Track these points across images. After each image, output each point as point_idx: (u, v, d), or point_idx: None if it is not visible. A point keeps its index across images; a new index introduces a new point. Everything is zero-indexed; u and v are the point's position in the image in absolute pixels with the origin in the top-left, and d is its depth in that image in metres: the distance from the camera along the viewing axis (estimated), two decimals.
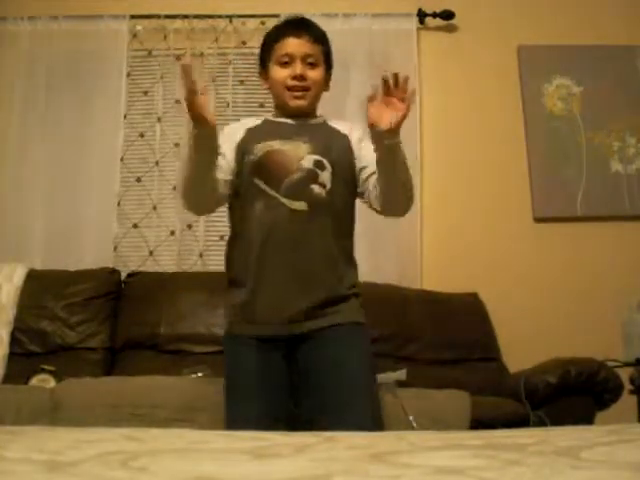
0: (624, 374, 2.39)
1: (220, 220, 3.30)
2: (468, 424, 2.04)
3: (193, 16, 3.39)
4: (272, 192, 1.75)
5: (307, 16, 3.73)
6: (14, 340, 2.77)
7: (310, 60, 1.83)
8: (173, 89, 3.38)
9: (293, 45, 1.83)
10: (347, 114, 3.14)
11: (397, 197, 1.78)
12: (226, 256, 1.88)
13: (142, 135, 3.35)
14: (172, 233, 3.25)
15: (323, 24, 3.53)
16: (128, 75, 3.38)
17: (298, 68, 1.81)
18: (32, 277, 2.91)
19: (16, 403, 2.00)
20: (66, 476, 0.53)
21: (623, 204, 3.33)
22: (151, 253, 3.24)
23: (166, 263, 3.23)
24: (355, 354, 1.75)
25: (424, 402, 2.09)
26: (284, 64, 1.83)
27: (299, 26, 1.87)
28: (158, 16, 3.39)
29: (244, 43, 3.42)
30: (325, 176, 1.77)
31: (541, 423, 2.18)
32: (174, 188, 3.29)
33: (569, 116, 3.41)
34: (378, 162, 1.72)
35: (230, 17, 3.41)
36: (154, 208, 3.28)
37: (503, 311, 3.02)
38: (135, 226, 3.27)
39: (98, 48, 3.36)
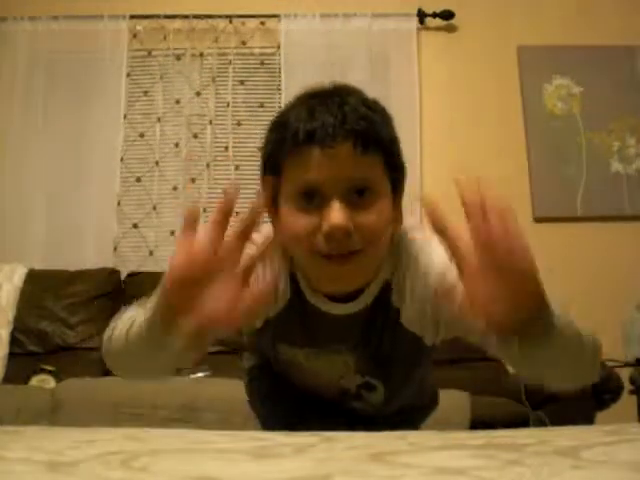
0: (624, 374, 2.39)
1: None
2: (468, 424, 2.04)
3: (193, 16, 3.39)
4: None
5: (307, 16, 3.71)
6: (14, 340, 2.77)
7: (358, 188, 0.93)
8: (173, 89, 3.39)
9: (321, 170, 0.92)
10: None
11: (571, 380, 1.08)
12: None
13: (142, 135, 3.35)
14: (172, 233, 3.25)
15: (323, 24, 3.53)
16: (128, 75, 3.38)
17: (336, 215, 0.90)
18: (32, 277, 2.91)
19: (16, 403, 2.00)
20: (66, 476, 0.53)
21: (623, 204, 3.33)
22: (151, 253, 3.24)
23: (166, 263, 3.20)
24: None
25: None
26: (304, 202, 0.94)
27: (328, 120, 0.92)
28: (158, 16, 3.39)
29: (244, 43, 3.42)
30: (374, 398, 1.16)
31: (541, 423, 2.18)
32: (174, 188, 3.30)
33: (569, 116, 3.41)
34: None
35: (230, 17, 3.41)
36: (154, 208, 3.28)
37: None
38: (135, 226, 3.27)
39: (98, 48, 3.36)
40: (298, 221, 0.93)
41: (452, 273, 0.84)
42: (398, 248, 1.03)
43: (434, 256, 0.98)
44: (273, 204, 0.98)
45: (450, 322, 0.97)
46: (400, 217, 1.02)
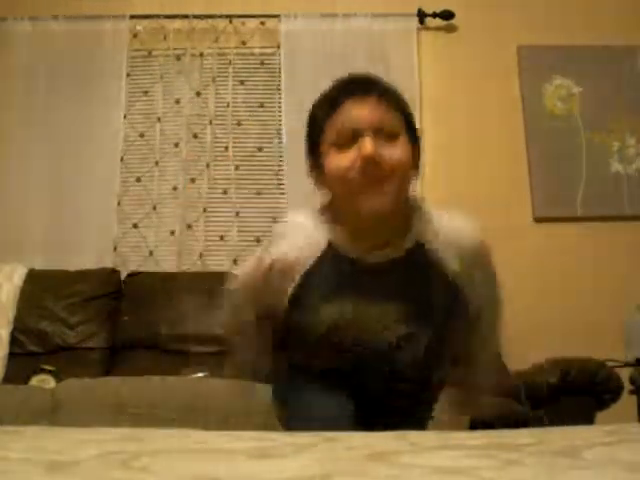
0: (624, 374, 2.39)
1: (220, 220, 3.31)
2: (468, 424, 2.04)
3: (193, 16, 3.39)
4: (341, 363, 1.26)
5: (307, 16, 3.72)
6: (14, 340, 2.77)
7: (387, 130, 1.19)
8: (173, 89, 3.39)
9: (357, 113, 1.18)
10: None
11: None
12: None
13: (142, 135, 3.35)
14: (172, 233, 3.25)
15: (323, 24, 3.54)
16: (128, 75, 3.38)
17: (367, 146, 1.15)
18: (32, 277, 2.91)
19: (16, 403, 2.00)
20: (66, 476, 0.53)
21: (623, 204, 3.33)
22: (151, 253, 3.24)
23: (166, 263, 3.23)
24: None
25: None
26: (344, 146, 1.19)
27: (361, 84, 1.24)
28: (158, 16, 3.39)
29: (244, 43, 3.42)
30: (416, 349, 1.25)
31: (541, 423, 2.18)
32: (174, 188, 3.30)
33: (569, 116, 3.41)
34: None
35: (230, 17, 3.41)
36: (154, 208, 3.28)
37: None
38: (135, 226, 3.27)
39: (98, 48, 3.36)
40: (339, 160, 1.18)
41: (478, 238, 1.26)
42: (425, 216, 1.27)
43: (458, 222, 1.28)
44: (317, 166, 1.25)
45: (478, 282, 1.25)
46: (418, 162, 1.25)
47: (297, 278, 1.23)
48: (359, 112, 1.18)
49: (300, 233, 1.26)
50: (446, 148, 3.37)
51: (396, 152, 1.18)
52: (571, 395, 2.34)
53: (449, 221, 1.28)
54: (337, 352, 1.24)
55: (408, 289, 1.23)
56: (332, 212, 1.26)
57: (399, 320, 1.22)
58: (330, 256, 1.22)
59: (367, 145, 1.15)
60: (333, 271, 1.22)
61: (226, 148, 3.35)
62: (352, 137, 1.18)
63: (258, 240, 3.27)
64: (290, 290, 1.24)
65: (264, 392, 2.02)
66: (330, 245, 1.23)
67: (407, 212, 1.26)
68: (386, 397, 1.28)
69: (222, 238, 3.28)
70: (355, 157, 1.17)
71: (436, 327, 1.26)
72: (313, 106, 1.30)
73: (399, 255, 1.23)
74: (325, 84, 1.36)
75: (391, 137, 1.19)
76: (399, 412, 1.28)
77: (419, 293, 1.24)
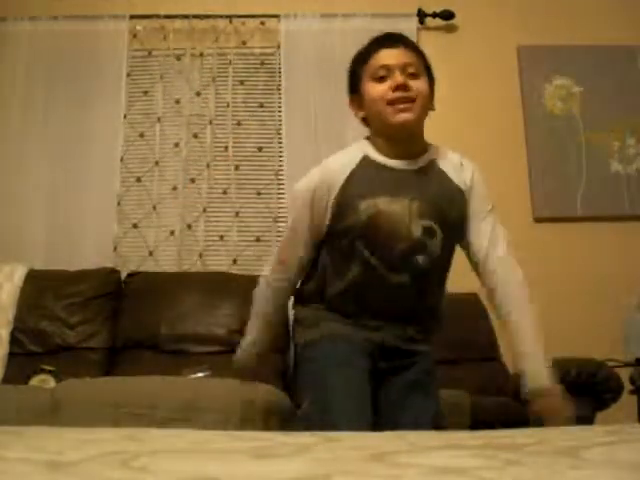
0: (624, 374, 2.39)
1: (220, 220, 3.31)
2: (468, 424, 2.04)
3: (193, 16, 3.39)
4: (374, 261, 1.55)
5: (307, 16, 3.75)
6: (14, 340, 2.77)
7: (411, 70, 1.58)
8: (173, 89, 3.39)
9: (390, 55, 1.58)
10: (348, 114, 3.14)
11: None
12: (306, 292, 1.69)
13: (142, 135, 3.35)
14: (172, 233, 3.25)
15: (323, 24, 3.55)
16: (128, 75, 3.38)
17: (399, 77, 1.55)
18: (32, 277, 2.91)
19: (16, 403, 2.00)
20: (66, 476, 0.53)
21: (623, 204, 3.33)
22: (151, 253, 3.24)
23: (166, 263, 3.23)
24: (434, 375, 1.76)
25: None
26: (380, 79, 1.57)
27: (392, 37, 1.65)
28: (158, 16, 3.39)
29: (244, 43, 3.42)
30: (434, 244, 1.57)
31: (541, 423, 2.18)
32: (174, 188, 3.30)
33: (569, 116, 3.41)
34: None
35: (230, 17, 3.41)
36: (154, 208, 3.28)
37: None
38: (135, 226, 3.27)
39: (98, 48, 3.36)
40: (378, 87, 1.57)
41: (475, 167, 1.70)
42: (435, 146, 1.68)
43: (463, 158, 1.72)
44: (357, 99, 1.63)
45: (474, 204, 1.63)
46: (433, 97, 1.66)
47: (338, 187, 1.56)
48: (392, 54, 1.59)
49: (340, 154, 1.64)
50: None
51: (419, 84, 1.58)
52: (571, 395, 2.34)
53: (452, 152, 1.71)
54: (374, 252, 1.55)
55: (426, 192, 1.57)
56: (369, 133, 1.65)
57: (422, 215, 1.55)
58: (365, 165, 1.59)
59: (398, 76, 1.56)
60: (368, 175, 1.57)
61: (226, 148, 3.35)
62: (386, 72, 1.57)
63: (258, 240, 3.28)
64: (333, 200, 1.56)
65: (264, 392, 2.02)
66: (365, 157, 1.60)
67: (423, 138, 1.66)
68: (413, 299, 1.59)
69: (222, 238, 3.29)
70: (390, 85, 1.56)
71: (448, 226, 1.58)
72: (357, 53, 1.66)
73: (419, 166, 1.61)
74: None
75: (414, 75, 1.58)
76: (424, 317, 1.65)
77: (434, 196, 1.58)
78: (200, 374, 2.45)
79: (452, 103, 3.43)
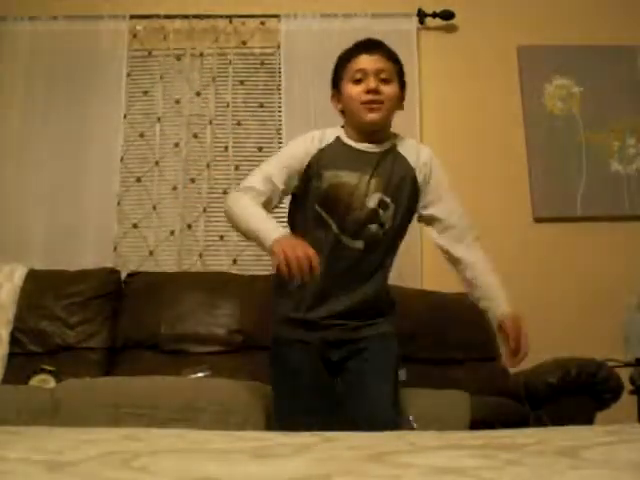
0: (624, 374, 2.39)
1: (220, 220, 3.31)
2: (468, 424, 2.04)
3: (193, 16, 3.39)
4: (333, 226, 1.80)
5: (307, 16, 3.76)
6: (14, 340, 2.77)
7: (383, 76, 1.82)
8: (173, 89, 3.39)
9: (366, 61, 1.83)
10: None
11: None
12: None
13: (142, 135, 3.35)
14: (172, 233, 3.25)
15: (323, 24, 3.54)
16: (128, 75, 3.38)
17: (372, 82, 1.80)
18: (32, 277, 2.91)
19: (16, 403, 2.00)
20: (66, 476, 0.53)
21: (623, 204, 3.33)
22: (151, 253, 3.24)
23: (166, 263, 3.23)
24: (388, 355, 1.87)
25: (424, 402, 2.09)
26: (357, 81, 1.83)
27: (371, 44, 1.88)
28: (158, 16, 3.39)
29: (244, 43, 3.42)
30: (386, 216, 1.82)
31: (541, 423, 2.18)
32: (174, 188, 3.30)
33: (569, 116, 3.41)
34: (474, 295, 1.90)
35: (230, 17, 3.41)
36: (154, 208, 3.28)
37: None
38: (135, 226, 3.27)
39: (98, 48, 3.36)
40: (355, 88, 1.82)
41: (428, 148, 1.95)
42: (398, 135, 1.91)
43: (420, 145, 2.02)
44: (337, 94, 1.88)
45: (433, 183, 1.88)
46: (402, 100, 1.90)
47: (314, 152, 1.83)
48: (368, 60, 1.83)
49: (322, 130, 1.90)
50: (446, 148, 3.36)
51: (388, 89, 1.83)
52: (571, 395, 2.34)
53: (411, 139, 1.98)
54: (332, 217, 1.79)
55: (384, 171, 1.83)
56: (345, 123, 1.91)
57: (377, 190, 1.81)
58: (336, 144, 1.86)
59: (371, 81, 1.81)
60: (336, 152, 1.84)
61: (226, 148, 3.35)
62: (362, 76, 1.82)
63: None
64: (309, 157, 1.82)
65: (264, 392, 2.02)
66: (338, 138, 1.87)
67: (389, 129, 1.90)
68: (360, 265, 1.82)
69: (222, 238, 3.28)
70: (364, 88, 1.81)
71: (401, 202, 1.83)
72: (340, 55, 1.92)
73: (381, 150, 1.86)
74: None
75: (387, 80, 1.83)
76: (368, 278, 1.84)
77: (392, 174, 1.83)
78: (200, 374, 2.45)
79: (452, 103, 3.43)
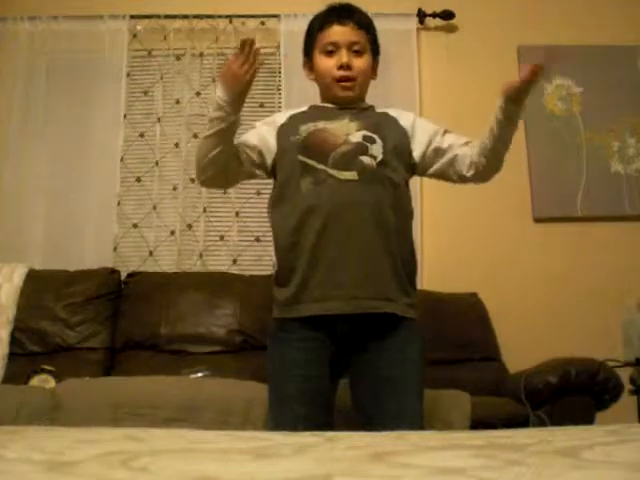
0: (624, 374, 2.38)
1: (220, 220, 3.31)
2: (468, 424, 2.04)
3: (193, 16, 3.39)
4: (319, 165, 1.69)
5: (307, 16, 3.75)
6: (14, 340, 2.77)
7: (356, 48, 1.78)
8: (173, 89, 3.39)
9: (338, 33, 1.78)
10: None
11: (502, 157, 1.97)
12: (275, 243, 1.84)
13: (142, 135, 3.35)
14: (172, 233, 3.25)
15: None
16: (128, 75, 3.38)
17: (344, 57, 1.76)
18: (32, 277, 2.91)
19: (16, 403, 2.00)
20: (66, 476, 0.53)
21: (623, 204, 3.33)
22: (151, 253, 3.24)
23: (166, 263, 3.23)
24: (411, 356, 1.75)
25: (424, 402, 2.08)
26: (329, 53, 1.79)
27: (343, 13, 1.82)
28: (158, 16, 3.39)
29: None
30: (375, 148, 1.72)
31: (541, 423, 2.18)
32: (174, 188, 3.30)
33: (569, 116, 3.41)
34: (503, 120, 1.86)
35: (230, 17, 3.41)
36: (154, 208, 3.28)
37: (503, 311, 3.02)
38: (135, 226, 3.27)
39: (98, 48, 3.36)
40: (326, 62, 1.79)
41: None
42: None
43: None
44: (310, 63, 1.87)
45: (421, 130, 1.86)
46: (375, 69, 1.87)
47: (284, 119, 1.82)
48: (340, 32, 1.79)
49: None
50: None
51: (360, 62, 1.79)
52: (571, 395, 2.34)
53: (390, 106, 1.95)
54: (316, 158, 1.71)
55: (365, 117, 1.79)
56: (319, 91, 1.88)
57: (360, 129, 1.74)
58: (309, 109, 1.85)
59: (343, 55, 1.77)
60: (310, 112, 1.83)
61: None
62: (334, 48, 1.79)
63: (258, 240, 3.27)
64: (279, 123, 1.81)
65: (264, 392, 2.02)
66: (311, 106, 1.86)
67: (364, 99, 1.87)
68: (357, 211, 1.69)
69: (222, 238, 3.29)
70: (336, 62, 1.78)
71: (388, 141, 1.75)
72: (310, 22, 1.87)
73: (359, 106, 1.83)
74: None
75: (359, 52, 1.79)
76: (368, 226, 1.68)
77: (373, 119, 1.79)
78: (200, 374, 2.45)
79: (452, 103, 3.43)
